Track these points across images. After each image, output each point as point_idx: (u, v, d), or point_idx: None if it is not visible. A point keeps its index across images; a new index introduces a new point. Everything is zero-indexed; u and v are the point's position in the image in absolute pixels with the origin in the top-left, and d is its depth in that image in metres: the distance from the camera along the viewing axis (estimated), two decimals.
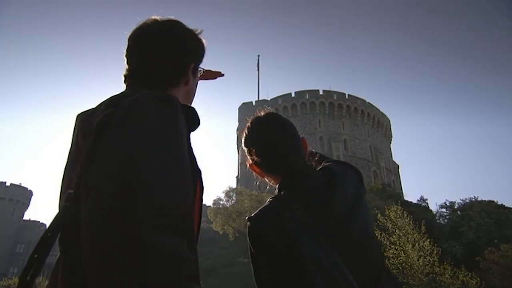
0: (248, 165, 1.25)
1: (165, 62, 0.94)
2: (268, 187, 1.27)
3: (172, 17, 1.02)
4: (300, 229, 0.94)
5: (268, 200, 1.08)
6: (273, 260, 0.96)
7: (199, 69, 1.07)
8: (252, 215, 1.05)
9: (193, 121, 0.85)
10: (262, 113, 1.28)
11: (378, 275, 1.02)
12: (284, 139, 1.17)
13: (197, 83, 1.08)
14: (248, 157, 1.23)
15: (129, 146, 0.66)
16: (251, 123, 1.25)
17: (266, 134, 1.18)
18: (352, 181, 1.12)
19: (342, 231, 1.00)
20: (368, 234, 1.08)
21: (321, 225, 0.97)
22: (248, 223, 1.04)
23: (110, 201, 0.59)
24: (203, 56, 1.07)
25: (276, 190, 1.14)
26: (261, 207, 1.06)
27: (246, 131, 1.25)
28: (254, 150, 1.19)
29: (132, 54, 0.97)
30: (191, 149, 0.82)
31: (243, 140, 1.25)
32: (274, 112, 1.31)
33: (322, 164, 1.23)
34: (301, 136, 1.24)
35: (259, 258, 1.00)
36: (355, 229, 1.03)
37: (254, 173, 1.25)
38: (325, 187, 1.06)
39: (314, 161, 1.28)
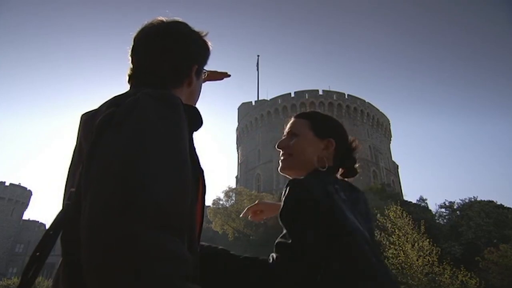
0: (329, 142, 1.29)
1: (168, 62, 0.95)
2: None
3: (178, 19, 1.03)
4: (342, 203, 1.04)
5: (313, 172, 1.18)
6: (318, 220, 1.01)
7: (204, 71, 1.07)
8: (300, 179, 1.11)
9: (196, 121, 0.86)
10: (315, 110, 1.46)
11: None
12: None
13: (201, 85, 1.08)
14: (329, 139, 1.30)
15: (129, 145, 0.66)
16: (341, 124, 1.41)
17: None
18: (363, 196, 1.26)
19: (366, 222, 1.11)
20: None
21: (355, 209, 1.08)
22: (293, 183, 1.10)
23: (108, 199, 0.60)
24: (207, 58, 1.07)
25: (318, 165, 1.21)
26: (307, 177, 1.14)
27: (342, 126, 1.39)
28: (339, 135, 1.33)
29: (136, 54, 0.98)
30: (194, 148, 0.82)
31: (338, 128, 1.36)
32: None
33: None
34: None
35: (306, 215, 1.03)
36: (371, 227, 1.17)
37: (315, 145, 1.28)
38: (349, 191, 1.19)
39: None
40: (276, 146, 1.33)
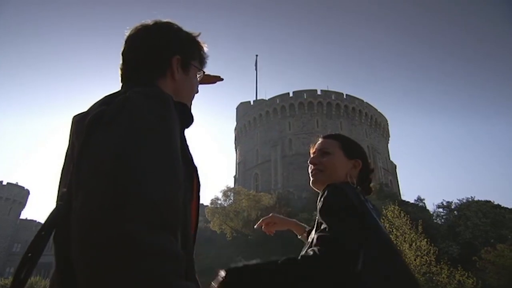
0: (356, 162, 1.46)
1: (146, 53, 0.95)
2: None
3: (168, 20, 1.02)
4: (371, 210, 1.22)
5: (345, 182, 1.34)
6: (357, 222, 1.12)
7: (199, 71, 1.05)
8: (340, 185, 1.26)
9: (186, 118, 0.85)
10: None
11: None
12: None
13: (193, 82, 1.05)
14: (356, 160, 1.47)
15: (121, 143, 0.66)
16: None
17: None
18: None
19: None
20: None
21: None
22: (331, 186, 1.24)
23: (100, 198, 0.60)
24: (195, 53, 1.04)
25: (349, 180, 1.37)
26: (343, 185, 1.27)
27: (360, 145, 1.57)
28: (364, 157, 1.50)
29: (124, 54, 0.99)
30: (186, 145, 0.82)
31: (363, 152, 1.53)
32: None
33: None
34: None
35: (344, 217, 1.13)
36: None
37: (341, 163, 1.43)
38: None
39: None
40: (308, 162, 1.48)
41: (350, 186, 1.30)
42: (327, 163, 1.42)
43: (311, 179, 1.45)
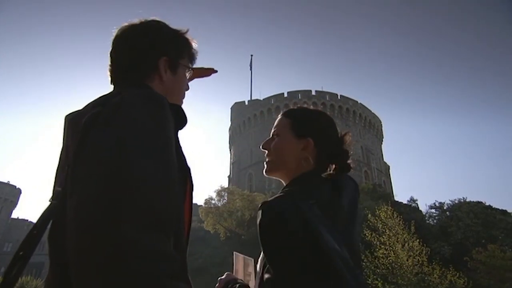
0: (307, 142, 1.20)
1: (132, 54, 0.94)
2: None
3: (155, 18, 1.01)
4: (317, 221, 0.96)
5: (281, 192, 1.09)
6: (292, 244, 0.95)
7: (188, 68, 1.05)
8: (269, 200, 1.02)
9: (180, 120, 0.85)
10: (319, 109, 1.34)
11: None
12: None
13: (182, 81, 1.04)
14: (308, 140, 1.19)
15: (115, 145, 0.66)
16: (327, 118, 1.29)
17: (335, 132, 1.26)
18: (353, 190, 1.18)
19: (347, 233, 1.05)
20: (359, 238, 1.16)
21: (333, 224, 1.01)
22: (263, 207, 1.01)
23: (95, 200, 0.60)
24: (183, 52, 1.03)
25: (286, 184, 1.18)
26: (277, 197, 1.04)
27: (326, 121, 1.26)
28: (323, 139, 1.21)
29: (112, 54, 0.98)
30: (180, 147, 0.82)
31: (323, 122, 1.25)
32: None
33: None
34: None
35: (279, 241, 0.97)
36: (355, 233, 1.10)
37: (289, 147, 1.20)
38: (334, 192, 1.11)
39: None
40: (260, 147, 1.29)
41: (290, 194, 1.06)
42: (274, 149, 1.22)
43: (264, 168, 1.25)
